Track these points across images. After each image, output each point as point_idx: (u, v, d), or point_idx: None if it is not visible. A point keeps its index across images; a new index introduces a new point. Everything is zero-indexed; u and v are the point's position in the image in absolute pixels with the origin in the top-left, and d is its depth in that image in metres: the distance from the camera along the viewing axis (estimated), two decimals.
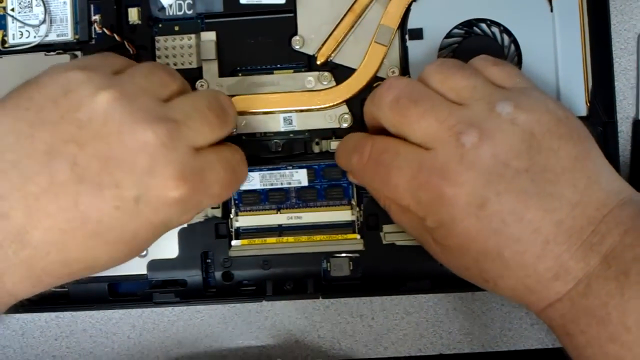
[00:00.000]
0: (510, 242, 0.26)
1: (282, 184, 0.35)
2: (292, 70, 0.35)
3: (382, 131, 0.30)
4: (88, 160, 0.24)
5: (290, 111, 0.35)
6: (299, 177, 0.35)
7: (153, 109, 0.26)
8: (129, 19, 0.36)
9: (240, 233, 0.35)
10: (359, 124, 0.35)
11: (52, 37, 0.36)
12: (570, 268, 0.26)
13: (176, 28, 0.36)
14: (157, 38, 0.35)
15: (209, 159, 0.27)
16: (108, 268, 0.28)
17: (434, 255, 0.30)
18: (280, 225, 0.35)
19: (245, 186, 0.35)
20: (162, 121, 0.25)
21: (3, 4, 0.36)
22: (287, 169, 0.35)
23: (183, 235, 0.34)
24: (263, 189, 0.35)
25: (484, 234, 0.27)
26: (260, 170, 0.35)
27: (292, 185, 0.35)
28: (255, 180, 0.35)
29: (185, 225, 0.34)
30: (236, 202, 0.35)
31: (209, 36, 0.35)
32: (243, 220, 0.35)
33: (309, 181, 0.35)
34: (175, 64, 0.35)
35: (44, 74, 0.27)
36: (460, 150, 0.26)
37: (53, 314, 0.39)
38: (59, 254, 0.25)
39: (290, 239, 0.35)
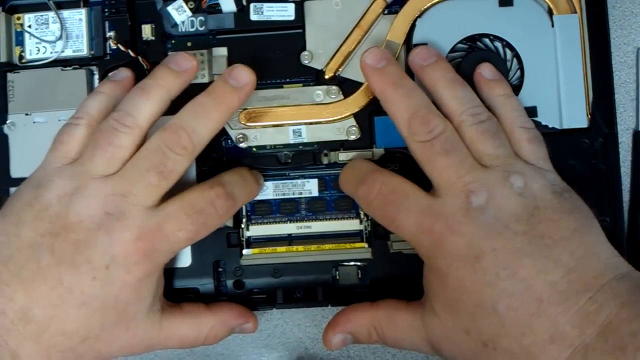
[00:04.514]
0: (503, 296, 0.27)
1: (293, 193, 0.36)
2: (301, 84, 0.36)
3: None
4: (61, 246, 0.29)
5: (300, 124, 0.36)
6: (310, 186, 0.36)
7: (99, 189, 0.30)
8: (143, 35, 0.37)
9: (251, 242, 0.36)
10: (366, 136, 0.36)
11: (68, 53, 0.37)
12: (566, 333, 0.26)
13: (189, 44, 0.36)
14: (170, 54, 0.36)
15: (167, 211, 0.30)
16: (109, 346, 0.30)
17: (433, 335, 0.31)
18: (290, 235, 0.36)
19: (259, 196, 0.36)
20: (109, 197, 0.29)
21: (20, 21, 0.37)
22: (298, 179, 0.36)
23: (196, 245, 0.35)
24: (275, 200, 0.36)
25: (478, 286, 0.28)
26: (274, 180, 0.36)
27: (303, 196, 0.36)
28: (269, 190, 0.36)
29: None
30: (249, 212, 0.36)
31: (221, 52, 0.36)
32: (254, 230, 0.36)
33: (319, 191, 0.36)
34: None
35: (22, 184, 0.31)
36: (467, 206, 0.28)
37: None
38: (57, 326, 0.29)
39: (300, 248, 0.36)
